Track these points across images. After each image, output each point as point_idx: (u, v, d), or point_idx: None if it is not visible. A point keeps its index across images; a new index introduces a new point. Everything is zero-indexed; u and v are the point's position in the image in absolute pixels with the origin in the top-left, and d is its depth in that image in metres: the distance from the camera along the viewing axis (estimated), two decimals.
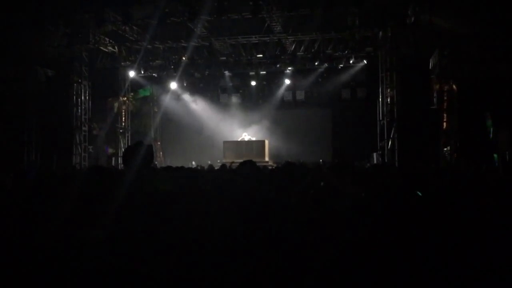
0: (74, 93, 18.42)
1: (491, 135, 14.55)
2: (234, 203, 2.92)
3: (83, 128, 18.68)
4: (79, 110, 18.57)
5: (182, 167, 5.01)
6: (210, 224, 2.54)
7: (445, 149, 15.98)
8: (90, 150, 19.31)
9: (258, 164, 4.49)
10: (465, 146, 14.78)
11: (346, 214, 3.19)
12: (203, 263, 2.07)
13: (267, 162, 18.48)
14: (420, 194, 2.87)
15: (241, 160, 4.37)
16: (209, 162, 15.36)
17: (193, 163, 18.46)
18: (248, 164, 4.08)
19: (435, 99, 16.91)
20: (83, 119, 18.68)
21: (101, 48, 18.31)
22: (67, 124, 18.17)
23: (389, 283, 1.67)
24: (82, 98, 18.64)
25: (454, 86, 16.18)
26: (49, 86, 17.91)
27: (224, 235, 2.30)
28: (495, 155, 13.96)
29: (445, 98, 16.50)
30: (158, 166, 16.01)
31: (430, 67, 16.87)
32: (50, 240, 2.26)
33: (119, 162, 18.82)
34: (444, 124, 16.51)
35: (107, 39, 18.06)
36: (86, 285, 1.89)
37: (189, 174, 3.88)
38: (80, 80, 18.45)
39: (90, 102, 19.09)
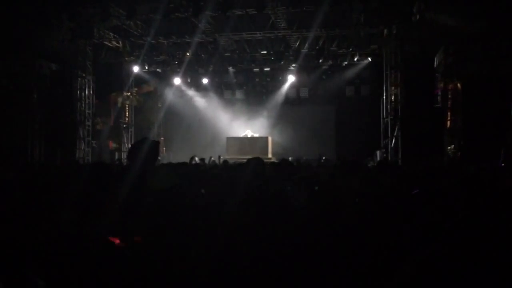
0: (78, 87, 18.42)
1: None
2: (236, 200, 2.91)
3: (87, 123, 18.70)
4: (83, 105, 18.58)
5: (184, 163, 5.00)
6: (213, 222, 2.54)
7: (449, 147, 15.92)
8: (94, 145, 19.33)
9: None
10: (469, 145, 14.68)
11: (350, 211, 3.18)
12: (205, 261, 2.07)
13: (270, 159, 18.46)
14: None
15: (244, 157, 4.33)
16: (212, 158, 15.29)
17: (196, 159, 18.44)
18: (255, 161, 4.03)
19: (439, 98, 16.82)
20: (86, 114, 18.69)
21: (105, 43, 18.32)
22: (71, 119, 18.18)
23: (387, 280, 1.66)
24: (86, 92, 18.64)
25: (458, 85, 16.10)
26: (53, 80, 17.94)
27: (227, 233, 2.29)
28: None
29: (450, 96, 16.43)
30: (161, 162, 16.04)
31: (435, 65, 16.79)
32: (52, 235, 2.26)
33: (122, 157, 18.84)
34: (448, 122, 16.44)
35: (111, 34, 18.06)
36: (86, 283, 1.89)
37: (191, 171, 3.87)
38: (84, 75, 18.45)
39: (94, 96, 19.11)
